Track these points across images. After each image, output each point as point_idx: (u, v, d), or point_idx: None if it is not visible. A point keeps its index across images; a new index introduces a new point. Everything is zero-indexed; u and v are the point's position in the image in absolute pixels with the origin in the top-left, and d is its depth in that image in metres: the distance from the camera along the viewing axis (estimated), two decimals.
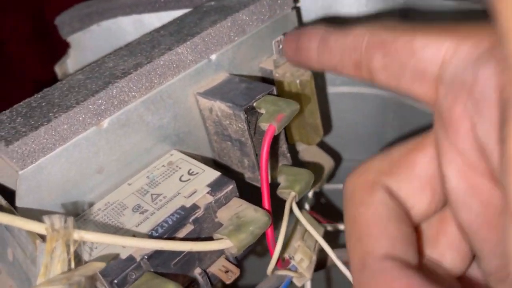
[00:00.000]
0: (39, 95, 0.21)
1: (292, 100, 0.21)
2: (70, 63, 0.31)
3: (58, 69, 0.30)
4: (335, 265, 0.30)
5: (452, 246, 0.18)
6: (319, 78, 0.30)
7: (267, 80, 0.25)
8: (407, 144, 0.18)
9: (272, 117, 0.20)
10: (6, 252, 0.18)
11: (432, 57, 0.16)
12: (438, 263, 0.18)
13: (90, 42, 0.30)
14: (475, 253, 0.17)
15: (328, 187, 0.34)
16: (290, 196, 0.22)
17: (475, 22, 0.15)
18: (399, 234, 0.16)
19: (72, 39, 0.30)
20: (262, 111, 0.21)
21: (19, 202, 0.18)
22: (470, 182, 0.15)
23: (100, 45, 0.30)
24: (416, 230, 0.18)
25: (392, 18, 0.27)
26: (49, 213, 0.16)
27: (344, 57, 0.19)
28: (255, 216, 0.19)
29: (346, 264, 0.30)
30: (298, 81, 0.24)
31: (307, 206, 0.25)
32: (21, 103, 0.21)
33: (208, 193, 0.20)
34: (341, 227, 0.28)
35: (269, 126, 0.20)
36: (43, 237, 0.16)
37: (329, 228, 0.27)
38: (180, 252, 0.19)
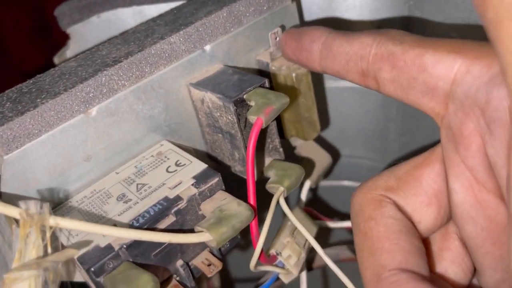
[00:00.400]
0: (31, 81, 0.21)
1: (282, 93, 0.21)
2: (70, 55, 0.31)
3: (57, 60, 0.30)
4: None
5: (455, 262, 0.18)
6: (316, 73, 0.29)
7: (263, 72, 0.25)
8: (413, 160, 0.18)
9: (261, 110, 0.20)
10: None
11: (443, 74, 0.16)
12: (443, 277, 0.18)
13: (89, 34, 0.30)
14: (477, 267, 0.17)
15: (326, 183, 0.34)
16: (278, 191, 0.21)
17: (479, 39, 0.15)
18: (411, 247, 0.16)
19: (72, 30, 0.30)
20: (252, 103, 0.21)
21: (4, 188, 0.18)
22: (477, 197, 0.16)
23: (100, 36, 0.30)
24: (424, 244, 0.18)
25: (394, 22, 0.26)
26: (34, 199, 0.16)
27: (350, 64, 0.19)
28: (237, 210, 0.19)
29: (342, 261, 0.30)
30: (294, 75, 0.24)
31: (303, 199, 0.25)
32: (13, 88, 0.21)
33: (192, 185, 0.20)
34: (339, 224, 0.27)
35: (257, 119, 0.20)
36: (18, 222, 0.16)
37: (330, 224, 0.26)
38: (160, 244, 0.18)
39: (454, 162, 0.16)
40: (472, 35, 0.18)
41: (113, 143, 0.21)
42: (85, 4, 0.29)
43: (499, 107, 0.14)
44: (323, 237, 0.26)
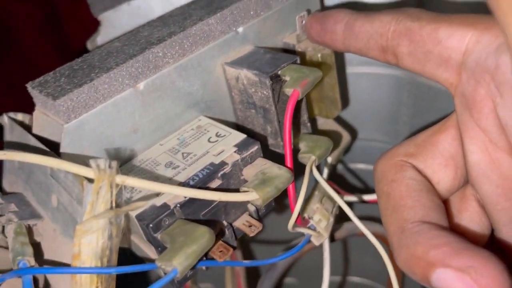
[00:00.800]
0: (79, 60, 0.23)
1: (315, 68, 0.22)
2: (100, 41, 0.32)
3: (89, 45, 0.32)
4: (351, 237, 0.31)
5: (473, 221, 0.19)
6: (338, 58, 0.31)
7: (290, 53, 0.27)
8: (430, 128, 0.20)
9: (297, 82, 0.22)
10: (50, 199, 0.20)
11: (456, 45, 0.17)
12: (463, 234, 0.19)
13: (120, 20, 0.32)
14: (494, 226, 0.19)
15: (345, 165, 0.36)
16: (310, 160, 0.23)
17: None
18: (431, 204, 0.18)
19: (103, 17, 0.32)
20: (287, 78, 0.22)
21: (62, 152, 0.20)
22: (491, 157, 0.17)
23: (129, 23, 0.32)
24: (445, 204, 0.19)
25: (409, 4, 0.28)
26: (102, 158, 0.17)
27: (370, 42, 0.21)
28: (279, 173, 0.20)
29: (359, 235, 0.32)
30: (319, 55, 0.26)
31: (325, 175, 0.27)
32: (64, 66, 0.22)
33: (235, 152, 0.21)
34: (360, 197, 0.29)
35: (294, 91, 0.21)
36: (88, 179, 0.17)
37: (346, 198, 0.28)
38: (209, 203, 0.20)
39: (469, 125, 0.17)
40: (484, 11, 0.20)
41: (157, 116, 0.23)
42: None
43: (507, 71, 0.15)
44: (340, 211, 0.28)
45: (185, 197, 0.19)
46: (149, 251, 0.20)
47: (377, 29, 0.20)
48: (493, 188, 0.17)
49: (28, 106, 0.23)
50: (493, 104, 0.16)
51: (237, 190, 0.21)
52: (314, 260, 0.33)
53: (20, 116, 0.24)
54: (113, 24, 0.31)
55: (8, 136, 0.23)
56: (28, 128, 0.23)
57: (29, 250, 0.19)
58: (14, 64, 0.61)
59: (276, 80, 0.23)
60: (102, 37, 0.32)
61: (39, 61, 0.64)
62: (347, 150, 0.30)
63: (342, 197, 0.27)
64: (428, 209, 0.17)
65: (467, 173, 0.18)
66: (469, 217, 0.19)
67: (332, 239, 0.28)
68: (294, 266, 0.40)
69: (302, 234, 0.24)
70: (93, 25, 0.33)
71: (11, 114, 0.24)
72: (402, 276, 0.35)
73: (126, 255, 0.21)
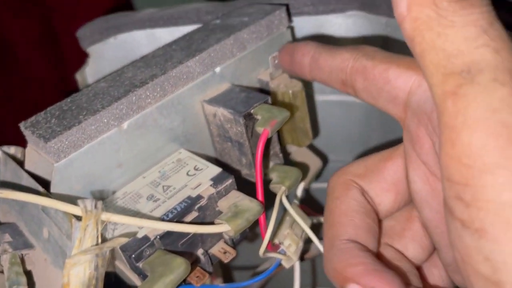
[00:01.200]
0: (68, 100, 0.25)
1: (283, 108, 0.25)
2: (89, 71, 0.34)
3: (78, 77, 0.34)
4: (318, 256, 0.33)
5: (415, 239, 0.22)
6: (308, 87, 0.33)
7: (263, 90, 0.29)
8: (380, 153, 0.22)
9: (267, 122, 0.24)
10: (41, 231, 0.22)
11: (402, 86, 0.19)
12: (402, 253, 0.21)
13: (107, 53, 0.34)
14: (436, 246, 0.21)
15: (315, 186, 0.38)
16: (280, 190, 0.25)
17: None
18: (363, 224, 0.20)
19: (91, 49, 0.34)
20: (258, 117, 0.25)
21: (53, 190, 0.22)
22: (431, 186, 0.19)
23: (116, 55, 0.34)
24: (386, 226, 0.22)
25: (373, 43, 0.31)
26: (89, 198, 0.19)
27: (332, 75, 0.23)
28: (250, 205, 0.23)
29: None
30: (290, 92, 0.28)
31: (297, 201, 0.29)
32: (54, 106, 0.24)
33: (211, 185, 0.23)
34: None
35: (264, 130, 0.24)
36: (77, 217, 0.19)
37: (316, 220, 0.30)
38: (186, 234, 0.22)
39: (412, 157, 0.19)
40: None
41: (140, 151, 0.25)
42: (104, 27, 0.32)
43: None
44: (315, 231, 0.30)
45: (164, 230, 0.21)
46: (133, 277, 0.23)
47: (338, 64, 0.22)
48: (433, 213, 0.19)
49: (26, 118, 0.24)
50: (431, 142, 0.18)
51: (212, 222, 0.23)
52: (288, 276, 0.35)
53: (12, 150, 0.26)
54: (101, 56, 0.34)
55: (2, 170, 0.25)
56: (20, 162, 0.25)
57: (23, 279, 0.21)
58: (11, 77, 0.63)
59: (249, 118, 0.25)
60: (90, 68, 0.34)
61: (35, 74, 0.66)
62: (318, 175, 0.33)
63: (312, 220, 0.30)
64: (359, 229, 0.20)
65: (412, 199, 0.20)
66: (412, 235, 0.22)
67: (302, 258, 0.30)
68: (268, 283, 0.42)
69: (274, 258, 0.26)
70: None
71: (5, 148, 0.26)
72: None
73: (111, 279, 0.24)
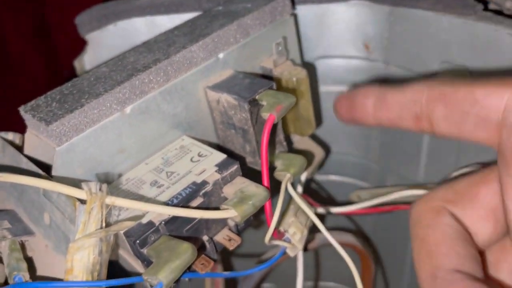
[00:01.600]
0: (69, 84, 0.24)
1: (289, 94, 0.24)
2: (87, 59, 0.34)
3: (77, 64, 0.33)
4: (322, 246, 0.33)
5: (511, 273, 0.19)
6: (312, 79, 0.33)
7: (267, 77, 0.29)
8: (471, 176, 0.20)
9: (272, 107, 0.23)
10: (42, 216, 0.21)
11: (494, 104, 0.18)
12: (500, 285, 0.20)
13: (106, 40, 0.33)
14: None
15: (319, 177, 0.38)
16: (285, 178, 0.25)
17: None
18: (466, 253, 0.18)
19: (90, 37, 0.33)
20: (263, 103, 0.24)
21: (54, 174, 0.21)
22: None
23: (115, 43, 0.33)
24: (481, 255, 0.19)
25: None
26: (93, 181, 0.19)
27: (403, 111, 0.21)
28: (256, 191, 0.22)
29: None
30: (294, 79, 0.28)
31: (300, 190, 0.29)
32: (54, 90, 0.24)
33: (216, 171, 0.23)
34: (330, 210, 0.31)
35: (270, 116, 0.23)
36: (80, 201, 0.19)
37: (319, 210, 0.30)
38: (192, 220, 0.22)
39: (508, 182, 0.17)
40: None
41: (143, 137, 0.24)
42: (103, 14, 0.32)
43: None
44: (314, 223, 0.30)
45: (169, 215, 0.21)
46: (136, 265, 0.22)
47: (410, 97, 0.21)
48: None
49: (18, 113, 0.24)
50: None
51: (217, 208, 0.22)
52: (290, 266, 0.35)
53: (10, 136, 0.26)
54: (100, 44, 0.33)
55: (0, 155, 0.24)
56: (18, 148, 0.24)
57: (24, 265, 0.20)
58: (2, 71, 0.62)
59: (254, 104, 0.25)
60: (89, 56, 0.33)
61: (28, 68, 0.65)
62: (321, 165, 0.32)
63: (315, 210, 0.29)
64: (463, 258, 0.17)
65: (508, 229, 0.18)
66: (508, 268, 0.19)
67: (305, 249, 0.30)
68: (271, 273, 0.42)
69: (278, 246, 0.26)
70: (80, 36, 0.34)
71: (2, 134, 0.25)
72: (373, 283, 0.38)
73: (115, 268, 0.23)
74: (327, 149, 0.37)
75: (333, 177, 0.40)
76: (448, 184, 0.20)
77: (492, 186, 0.19)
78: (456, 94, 0.19)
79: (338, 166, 0.39)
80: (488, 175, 0.19)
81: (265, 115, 0.24)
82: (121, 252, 0.23)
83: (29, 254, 0.22)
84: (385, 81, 0.33)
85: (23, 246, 0.22)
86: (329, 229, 0.34)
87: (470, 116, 0.18)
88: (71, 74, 0.35)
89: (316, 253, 0.40)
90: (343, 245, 0.32)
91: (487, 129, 0.18)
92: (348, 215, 0.33)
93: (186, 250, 0.20)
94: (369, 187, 0.37)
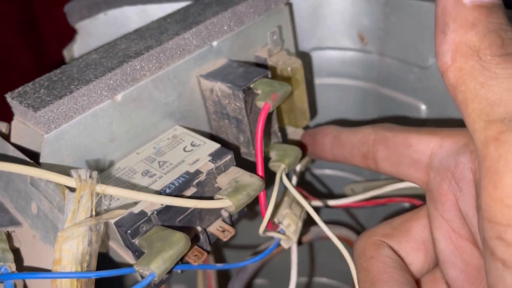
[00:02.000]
0: (58, 71, 0.23)
1: (284, 82, 0.24)
2: (77, 49, 0.33)
3: (66, 53, 0.32)
4: (316, 240, 0.33)
5: None
6: (307, 71, 0.33)
7: (261, 66, 0.28)
8: (404, 215, 0.22)
9: (268, 96, 0.23)
10: (29, 206, 0.21)
11: (424, 149, 0.21)
12: None
13: (96, 29, 0.32)
14: None
15: (312, 171, 0.37)
16: (280, 168, 0.24)
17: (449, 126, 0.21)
18: (404, 280, 0.20)
19: (80, 26, 0.32)
20: (258, 91, 0.24)
21: (42, 162, 0.21)
22: (454, 244, 0.20)
23: (106, 32, 0.32)
24: (417, 283, 0.21)
25: None
26: (82, 169, 0.18)
27: (354, 150, 0.24)
28: (251, 181, 0.22)
29: (323, 238, 0.33)
30: (289, 69, 0.27)
31: (294, 181, 0.28)
32: (42, 77, 0.23)
33: (209, 161, 0.22)
34: (324, 203, 0.31)
35: (265, 104, 0.23)
36: (70, 189, 0.18)
37: (313, 203, 0.30)
38: (185, 210, 0.21)
39: (435, 216, 0.20)
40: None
41: (134, 126, 0.24)
42: (94, 2, 0.31)
43: (465, 169, 0.18)
44: (308, 216, 0.30)
45: (161, 205, 0.20)
46: (127, 257, 0.21)
47: (359, 139, 0.24)
48: (457, 273, 0.20)
49: (7, 106, 0.23)
50: (454, 197, 0.19)
51: (211, 198, 0.22)
52: (283, 261, 0.34)
53: None
54: (89, 33, 0.32)
55: None
56: (5, 136, 0.24)
57: (10, 256, 0.19)
58: None
59: (249, 93, 0.24)
60: (78, 45, 0.32)
61: (16, 61, 0.64)
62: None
63: (309, 202, 0.29)
64: (401, 284, 0.20)
65: (437, 259, 0.21)
66: None
67: (299, 242, 0.30)
68: (264, 268, 0.41)
69: (272, 238, 0.25)
70: (68, 29, 0.34)
71: None
72: None
73: (105, 260, 0.22)
74: None
75: (327, 171, 0.39)
76: (387, 222, 0.22)
77: (422, 221, 0.21)
78: (395, 138, 0.22)
79: None
80: (418, 212, 0.22)
81: (260, 103, 0.23)
82: (112, 243, 0.22)
83: (16, 245, 0.21)
84: (380, 73, 0.33)
85: (9, 237, 0.21)
86: (324, 222, 0.34)
87: (405, 157, 0.21)
88: (60, 64, 0.34)
89: (309, 248, 0.40)
90: (338, 239, 0.31)
91: (418, 170, 0.21)
92: (342, 208, 0.33)
93: (179, 240, 0.19)
94: (362, 181, 0.37)
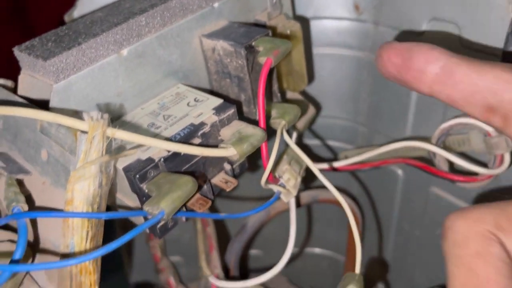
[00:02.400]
0: (64, 27, 0.24)
1: (285, 39, 0.25)
2: (77, 15, 0.33)
3: (67, 18, 0.33)
4: (313, 202, 0.34)
5: None
6: (305, 36, 0.33)
7: None
8: None
9: (270, 52, 0.24)
10: (39, 154, 0.21)
11: None
12: None
13: None
14: None
15: (307, 141, 0.38)
16: (280, 125, 0.25)
17: None
18: None
19: None
20: (260, 48, 0.25)
21: (52, 108, 0.21)
22: None
23: None
24: None
25: None
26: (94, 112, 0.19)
27: (475, 97, 0.18)
28: (253, 131, 0.23)
29: (320, 201, 0.34)
30: (288, 31, 0.28)
31: (294, 137, 0.29)
32: (49, 32, 0.24)
33: (213, 114, 0.23)
34: (320, 166, 0.31)
35: (267, 59, 0.24)
36: (81, 132, 0.19)
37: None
38: (190, 159, 0.22)
39: None
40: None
41: (139, 82, 0.24)
42: None
43: None
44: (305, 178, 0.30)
45: (168, 152, 0.21)
46: (135, 206, 0.22)
47: (489, 84, 0.17)
48: None
49: None
50: None
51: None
52: (278, 233, 0.35)
53: (1, 81, 0.25)
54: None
55: None
56: (11, 91, 0.24)
57: (22, 198, 0.20)
58: None
59: (250, 50, 0.25)
60: (78, 11, 0.33)
61: (4, 49, 0.63)
62: (312, 121, 0.33)
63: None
64: None
65: None
66: None
67: (297, 204, 0.31)
68: (258, 239, 0.42)
69: (272, 192, 0.26)
70: (57, 16, 0.34)
71: None
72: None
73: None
74: (318, 106, 0.37)
75: (317, 142, 0.40)
76: (500, 207, 0.17)
77: None
78: None
79: (327, 130, 0.39)
80: None
81: (262, 59, 0.24)
82: (119, 195, 0.23)
83: (26, 193, 0.22)
84: (374, 42, 0.34)
85: (20, 183, 0.21)
86: (318, 188, 0.35)
87: None
88: None
89: (302, 217, 0.41)
90: (332, 202, 0.32)
91: None
92: (337, 171, 0.34)
93: (187, 182, 0.20)
94: (356, 148, 0.38)
